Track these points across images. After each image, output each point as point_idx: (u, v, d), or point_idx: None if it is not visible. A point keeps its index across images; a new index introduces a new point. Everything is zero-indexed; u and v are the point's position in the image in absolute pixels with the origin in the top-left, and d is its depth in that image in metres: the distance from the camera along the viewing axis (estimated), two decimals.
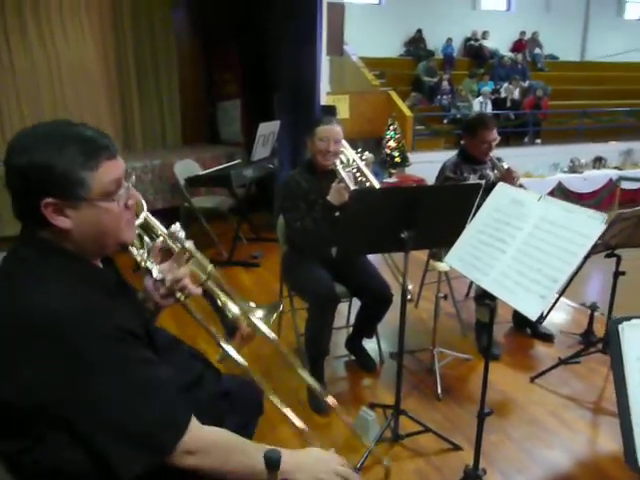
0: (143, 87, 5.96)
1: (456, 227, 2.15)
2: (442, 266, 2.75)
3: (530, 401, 2.69)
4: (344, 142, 2.91)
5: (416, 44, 12.80)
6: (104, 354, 1.04)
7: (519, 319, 3.37)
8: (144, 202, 1.43)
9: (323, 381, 2.72)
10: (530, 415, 2.59)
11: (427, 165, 9.58)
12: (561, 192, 9.07)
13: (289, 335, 3.26)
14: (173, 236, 1.41)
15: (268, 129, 4.65)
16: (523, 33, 13.47)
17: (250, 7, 5.70)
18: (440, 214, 2.09)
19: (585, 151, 10.50)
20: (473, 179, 3.21)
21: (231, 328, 1.48)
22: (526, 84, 11.97)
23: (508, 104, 11.15)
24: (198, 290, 1.41)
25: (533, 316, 1.44)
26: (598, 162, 10.35)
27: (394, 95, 10.27)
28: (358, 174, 2.95)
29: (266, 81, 5.72)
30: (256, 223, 5.56)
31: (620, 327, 1.29)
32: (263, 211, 5.94)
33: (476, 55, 12.98)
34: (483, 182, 2.07)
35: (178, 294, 1.38)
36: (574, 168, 9.94)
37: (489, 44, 13.07)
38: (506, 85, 11.56)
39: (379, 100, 10.27)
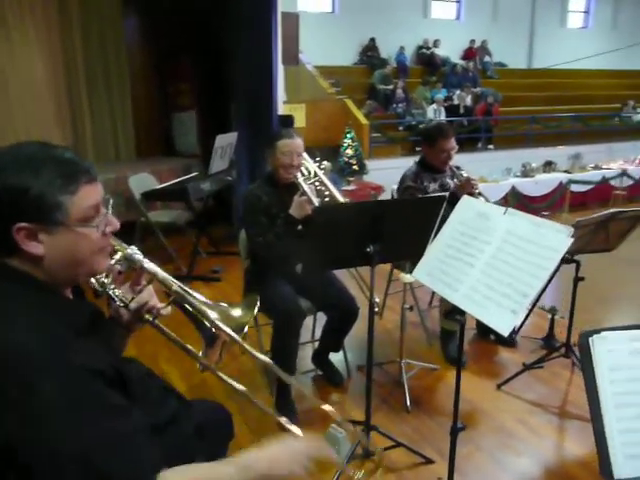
0: (94, 101, 5.78)
1: (421, 240, 2.15)
2: (407, 277, 2.74)
3: (498, 409, 2.71)
4: (304, 154, 2.89)
5: (370, 52, 12.93)
6: (67, 399, 0.95)
7: (483, 326, 3.39)
8: None
9: (291, 399, 2.67)
10: (498, 423, 2.61)
11: (385, 172, 9.68)
12: (515, 196, 9.27)
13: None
14: (130, 259, 1.35)
15: (225, 141, 4.57)
16: (473, 41, 13.80)
17: (204, 18, 5.63)
18: (405, 227, 2.08)
19: (535, 156, 10.80)
20: (433, 187, 3.23)
21: (210, 337, 1.42)
22: (477, 91, 12.25)
23: (461, 111, 11.37)
24: (167, 309, 1.35)
25: (505, 331, 1.43)
26: (548, 166, 10.62)
27: (350, 103, 10.34)
28: (319, 185, 2.92)
29: (222, 92, 5.65)
30: (215, 236, 5.46)
31: (591, 340, 1.29)
32: (222, 224, 5.85)
33: (428, 63, 13.22)
34: (447, 194, 2.07)
35: (146, 316, 1.32)
36: (526, 172, 10.17)
37: (440, 52, 13.33)
38: (458, 92, 11.80)
39: (335, 108, 10.32)
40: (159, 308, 1.33)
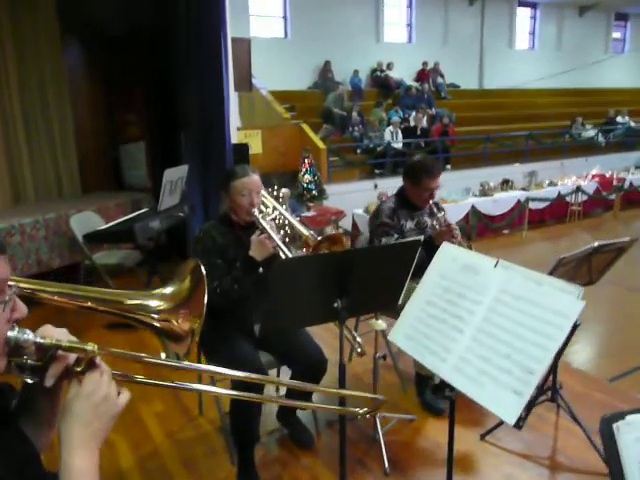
0: (33, 136, 5.34)
1: (394, 289, 1.91)
2: (378, 324, 2.50)
3: (485, 464, 2.47)
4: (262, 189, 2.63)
5: (324, 76, 12.87)
6: None
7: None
8: None
9: (254, 469, 2.36)
10: None
11: (344, 196, 9.54)
12: (475, 216, 9.23)
13: (210, 412, 2.88)
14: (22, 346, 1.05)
15: (175, 175, 4.27)
16: (425, 63, 13.92)
17: (152, 45, 5.34)
18: (376, 277, 1.84)
19: (492, 174, 10.85)
20: (409, 226, 3.00)
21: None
22: (432, 112, 12.31)
23: (418, 132, 11.37)
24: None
25: (509, 419, 1.18)
26: (506, 184, 10.68)
27: (306, 128, 10.18)
28: (279, 220, 2.68)
29: (172, 121, 5.35)
30: (168, 275, 5.10)
31: (615, 427, 1.05)
32: (175, 260, 5.50)
33: (383, 85, 13.23)
34: (422, 238, 1.84)
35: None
36: (484, 191, 10.18)
37: (394, 74, 13.38)
38: (414, 114, 11.82)
39: (291, 133, 10.15)
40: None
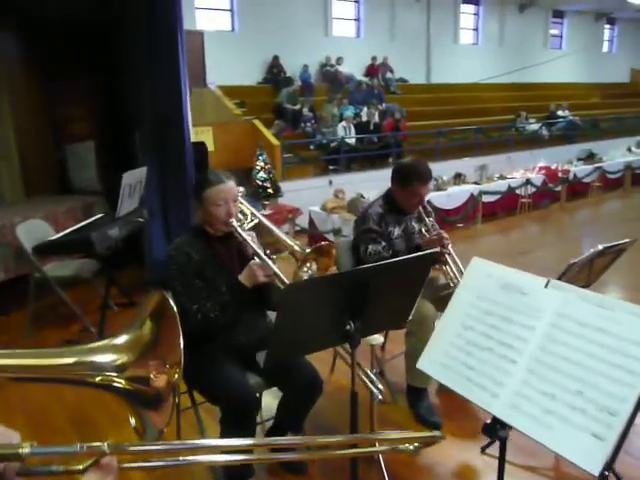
0: None
1: (407, 305, 1.76)
2: (375, 338, 2.34)
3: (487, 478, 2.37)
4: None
5: (273, 71, 12.61)
6: None
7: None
8: None
9: None
10: None
11: (299, 193, 9.36)
12: (431, 209, 9.28)
13: (189, 438, 2.64)
14: None
15: (134, 178, 3.96)
16: (374, 58, 13.90)
17: (101, 34, 4.96)
18: (390, 294, 1.68)
19: (444, 168, 10.94)
20: (397, 233, 2.87)
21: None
22: (383, 107, 12.29)
23: (371, 127, 11.31)
24: None
25: (592, 467, 1.04)
26: (458, 178, 10.79)
27: (258, 124, 9.93)
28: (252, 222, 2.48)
29: (124, 119, 5.00)
30: (125, 284, 4.78)
31: None
32: (132, 268, 5.17)
33: (333, 80, 13.11)
34: (437, 251, 1.69)
35: None
36: (438, 186, 10.23)
37: (344, 69, 13.29)
38: (365, 109, 11.76)
39: (244, 130, 9.88)
40: None
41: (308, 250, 2.07)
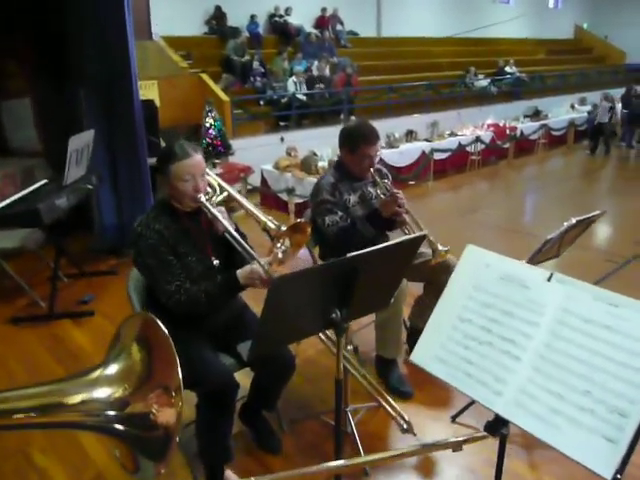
0: None
1: (391, 287, 1.71)
2: None
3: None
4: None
5: (218, 22, 12.00)
6: None
7: (415, 339, 3.08)
8: None
9: None
10: (466, 469, 2.31)
11: (251, 151, 9.10)
12: (384, 168, 9.25)
13: None
14: None
15: (81, 142, 3.68)
16: (324, 9, 13.45)
17: None
18: (376, 279, 1.62)
19: (396, 125, 10.88)
20: (353, 200, 2.80)
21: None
22: (335, 61, 12.00)
23: (321, 82, 11.04)
24: None
25: (604, 471, 1.02)
26: (410, 135, 10.77)
27: (206, 78, 9.50)
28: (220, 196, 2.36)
29: (65, 74, 4.62)
30: (74, 252, 4.53)
31: None
32: (79, 235, 4.91)
33: (282, 32, 12.63)
34: (425, 232, 1.64)
35: None
36: (390, 143, 10.19)
37: (294, 20, 12.81)
38: (316, 63, 11.44)
39: (191, 84, 9.44)
40: None
41: (284, 228, 1.98)
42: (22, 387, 0.85)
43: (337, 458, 1.74)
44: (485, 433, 1.11)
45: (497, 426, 1.19)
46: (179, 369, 0.87)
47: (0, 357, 3.24)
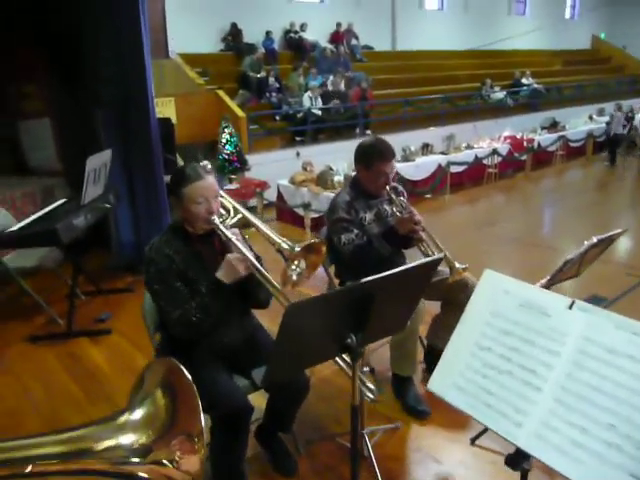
0: None
1: (407, 311, 1.68)
2: None
3: (479, 472, 2.35)
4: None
5: (234, 38, 12.14)
6: None
7: (433, 358, 3.03)
8: None
9: None
10: None
11: (267, 166, 9.14)
12: (400, 181, 9.19)
13: None
14: None
15: (99, 161, 3.73)
16: (339, 25, 13.54)
17: (54, 3, 4.59)
18: (393, 303, 1.59)
19: (412, 139, 10.87)
20: (369, 218, 2.78)
21: None
22: (350, 75, 12.05)
23: (337, 97, 11.08)
24: None
25: None
26: (426, 148, 10.75)
27: (222, 94, 9.59)
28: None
29: (82, 94, 4.69)
30: (91, 270, 4.56)
31: None
32: (97, 252, 4.95)
33: (297, 48, 12.74)
34: (443, 255, 1.61)
35: None
36: (406, 156, 10.18)
37: (309, 36, 12.92)
38: (331, 78, 11.50)
39: (208, 100, 9.53)
40: None
41: (298, 249, 1.96)
42: (43, 433, 0.83)
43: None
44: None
45: (518, 460, 1.15)
46: (202, 415, 0.85)
47: (17, 375, 3.26)
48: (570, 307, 1.18)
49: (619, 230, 2.29)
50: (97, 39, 4.38)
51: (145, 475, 0.79)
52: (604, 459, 1.03)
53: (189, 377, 0.87)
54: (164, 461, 0.81)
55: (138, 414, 0.82)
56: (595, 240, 2.15)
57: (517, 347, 1.21)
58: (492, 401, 1.20)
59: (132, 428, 0.80)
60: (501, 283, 1.30)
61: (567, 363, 1.14)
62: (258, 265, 2.01)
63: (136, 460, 0.79)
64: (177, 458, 0.82)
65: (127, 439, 0.79)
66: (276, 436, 2.41)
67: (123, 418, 0.82)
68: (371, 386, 1.74)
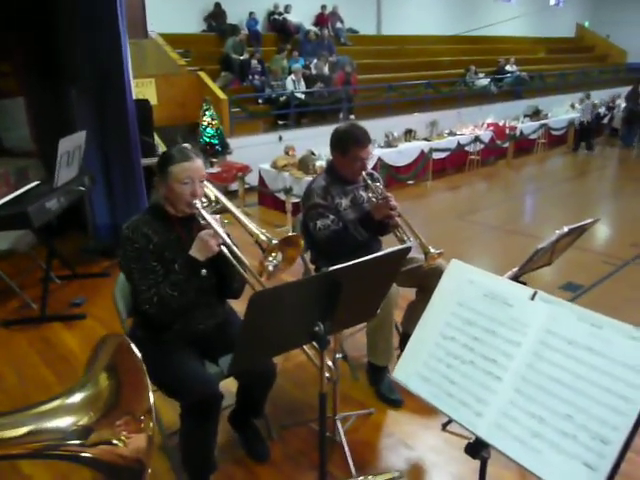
0: None
1: (376, 299, 1.68)
2: None
3: (450, 458, 2.38)
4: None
5: (217, 19, 11.94)
6: None
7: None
8: None
9: None
10: (457, 477, 2.28)
11: (249, 150, 9.06)
12: (383, 167, 9.18)
13: None
14: None
15: (72, 144, 3.65)
16: (324, 7, 13.38)
17: None
18: (361, 291, 1.59)
19: (395, 124, 10.85)
20: (345, 204, 2.77)
21: None
22: (334, 59, 11.94)
23: (320, 81, 10.99)
24: None
25: None
26: (409, 134, 10.73)
27: (204, 76, 9.45)
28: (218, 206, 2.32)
29: (57, 73, 4.58)
30: (66, 252, 4.50)
31: None
32: (71, 234, 4.88)
33: (281, 30, 12.58)
34: (410, 245, 1.61)
35: None
36: (389, 142, 10.16)
37: (293, 18, 12.75)
38: (315, 61, 11.39)
39: (189, 82, 9.40)
40: None
41: (275, 241, 1.94)
42: None
43: (321, 471, 1.71)
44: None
45: (478, 448, 1.16)
46: (150, 393, 0.84)
47: None
48: (532, 298, 1.18)
49: (590, 220, 2.31)
50: (72, 17, 4.27)
51: (89, 455, 0.79)
52: (560, 449, 1.04)
53: (139, 355, 0.85)
54: (113, 441, 0.81)
55: (77, 397, 0.81)
56: (566, 229, 2.17)
57: (480, 337, 1.21)
58: (454, 390, 1.21)
59: (68, 411, 0.79)
60: (466, 273, 1.29)
61: (527, 353, 1.14)
62: (229, 242, 2.00)
63: (75, 442, 0.78)
64: (123, 437, 0.81)
65: (61, 422, 0.78)
66: (249, 421, 2.41)
67: (56, 402, 0.81)
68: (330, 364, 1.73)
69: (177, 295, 1.97)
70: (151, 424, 0.86)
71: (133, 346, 0.85)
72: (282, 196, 7.67)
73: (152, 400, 0.86)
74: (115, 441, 0.83)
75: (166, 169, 2.01)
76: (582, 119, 11.90)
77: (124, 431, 0.84)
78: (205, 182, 2.11)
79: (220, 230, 2.01)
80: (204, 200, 2.16)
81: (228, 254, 2.02)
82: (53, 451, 0.79)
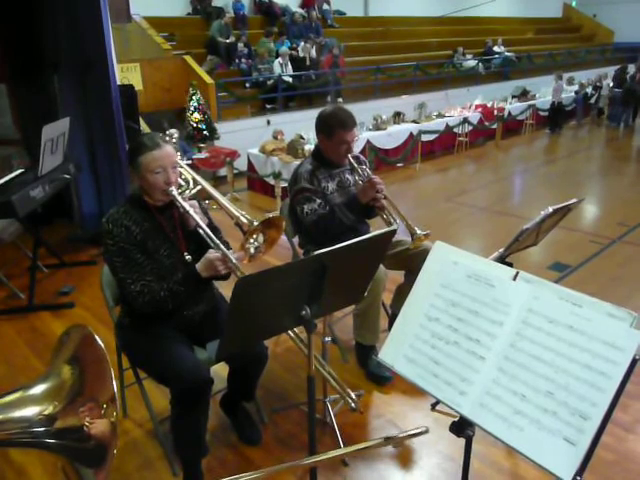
0: None
1: (363, 282, 1.69)
2: None
3: (439, 437, 2.42)
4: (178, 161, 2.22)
5: (202, 1, 11.76)
6: None
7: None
8: None
9: None
10: (443, 459, 2.31)
11: (237, 135, 9.00)
12: (372, 150, 9.16)
13: (136, 413, 2.55)
14: None
15: (56, 131, 3.60)
16: None
17: None
18: (347, 275, 1.59)
19: (383, 106, 10.80)
20: (332, 187, 2.76)
21: None
22: (321, 41, 11.83)
23: (307, 63, 10.90)
24: None
25: (562, 473, 1.01)
26: (397, 117, 10.69)
27: (190, 60, 9.33)
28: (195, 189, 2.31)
29: (41, 60, 4.50)
30: (53, 241, 4.47)
31: None
32: (59, 222, 4.85)
33: (267, 12, 12.42)
34: (396, 227, 1.61)
35: None
36: (378, 125, 10.12)
37: (279, 0, 12.59)
38: (302, 44, 11.28)
39: (175, 66, 9.27)
40: None
41: (256, 223, 1.94)
42: None
43: (311, 452, 1.73)
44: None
45: (463, 427, 1.18)
46: (114, 381, 0.85)
47: None
48: (514, 278, 1.19)
49: (575, 200, 2.33)
50: (54, 2, 4.19)
51: (54, 441, 0.81)
52: (541, 425, 1.06)
53: (101, 345, 0.86)
54: (77, 425, 0.83)
55: (41, 388, 0.83)
56: (551, 210, 2.18)
57: (463, 318, 1.22)
58: (439, 371, 1.22)
59: (31, 402, 0.81)
60: (450, 254, 1.30)
61: (510, 333, 1.16)
62: (214, 237, 2.00)
63: (40, 429, 0.81)
64: (87, 423, 0.83)
65: (26, 412, 0.80)
66: (240, 405, 2.43)
67: (19, 394, 0.83)
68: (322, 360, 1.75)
69: (172, 300, 1.97)
70: (115, 411, 0.89)
71: (97, 337, 0.86)
72: (271, 181, 7.64)
73: (115, 388, 0.88)
74: (79, 427, 0.85)
75: (136, 160, 1.97)
76: (553, 99, 11.94)
77: (87, 417, 0.86)
78: (181, 164, 2.09)
79: (197, 216, 2.01)
80: (182, 183, 2.15)
81: (209, 241, 2.01)
82: (20, 439, 0.81)
